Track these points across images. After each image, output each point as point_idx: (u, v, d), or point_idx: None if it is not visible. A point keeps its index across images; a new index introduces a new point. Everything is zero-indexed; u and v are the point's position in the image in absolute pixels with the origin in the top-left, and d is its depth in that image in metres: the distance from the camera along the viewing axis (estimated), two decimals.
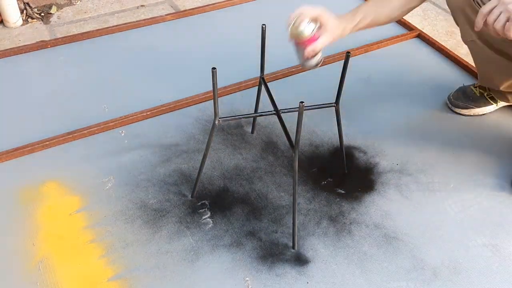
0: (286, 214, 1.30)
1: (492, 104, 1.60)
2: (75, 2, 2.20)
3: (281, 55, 1.84)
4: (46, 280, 1.13)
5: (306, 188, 1.37)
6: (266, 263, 1.19)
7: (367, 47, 1.87)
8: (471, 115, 1.61)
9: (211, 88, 1.11)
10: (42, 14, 2.12)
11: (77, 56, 1.83)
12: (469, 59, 1.89)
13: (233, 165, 1.43)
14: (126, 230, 1.24)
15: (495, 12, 1.02)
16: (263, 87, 1.32)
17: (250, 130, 1.53)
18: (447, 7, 1.44)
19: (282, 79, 1.74)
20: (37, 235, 1.23)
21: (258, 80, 1.36)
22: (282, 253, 1.21)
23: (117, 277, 1.14)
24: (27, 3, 2.10)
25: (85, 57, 1.83)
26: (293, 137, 1.10)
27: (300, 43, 1.11)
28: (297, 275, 1.17)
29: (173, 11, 2.14)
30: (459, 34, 1.46)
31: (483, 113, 1.61)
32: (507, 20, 1.01)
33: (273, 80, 1.71)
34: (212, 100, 1.16)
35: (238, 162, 1.44)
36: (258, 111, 1.47)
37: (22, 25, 2.05)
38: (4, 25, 2.03)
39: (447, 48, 1.88)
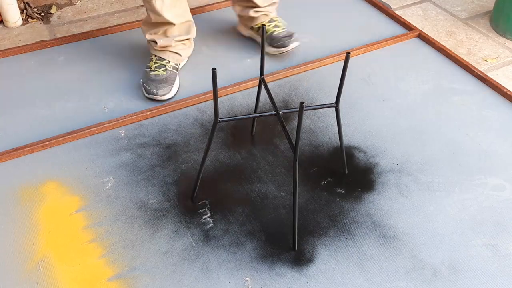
0: (286, 214, 1.30)
1: None
2: (75, 2, 2.20)
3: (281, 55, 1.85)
4: (46, 280, 1.13)
5: (306, 188, 1.37)
6: (266, 263, 1.19)
7: (367, 47, 1.86)
8: None
9: (211, 88, 1.11)
10: (42, 14, 2.12)
11: (77, 56, 1.83)
12: (468, 59, 1.89)
13: (233, 165, 1.43)
14: (126, 230, 1.24)
15: None
16: (263, 88, 1.32)
17: (250, 130, 1.53)
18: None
19: (282, 79, 1.74)
20: (37, 235, 1.23)
21: (258, 80, 1.35)
22: (282, 253, 1.21)
23: (117, 277, 1.14)
24: (27, 3, 2.10)
25: (85, 57, 1.83)
26: (293, 137, 1.10)
27: None
28: (297, 275, 1.17)
29: None
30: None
31: None
32: None
33: (273, 81, 1.71)
34: (212, 101, 1.16)
35: (238, 162, 1.44)
36: (258, 111, 1.47)
37: (22, 25, 2.05)
38: (4, 25, 2.03)
39: (447, 48, 1.88)
